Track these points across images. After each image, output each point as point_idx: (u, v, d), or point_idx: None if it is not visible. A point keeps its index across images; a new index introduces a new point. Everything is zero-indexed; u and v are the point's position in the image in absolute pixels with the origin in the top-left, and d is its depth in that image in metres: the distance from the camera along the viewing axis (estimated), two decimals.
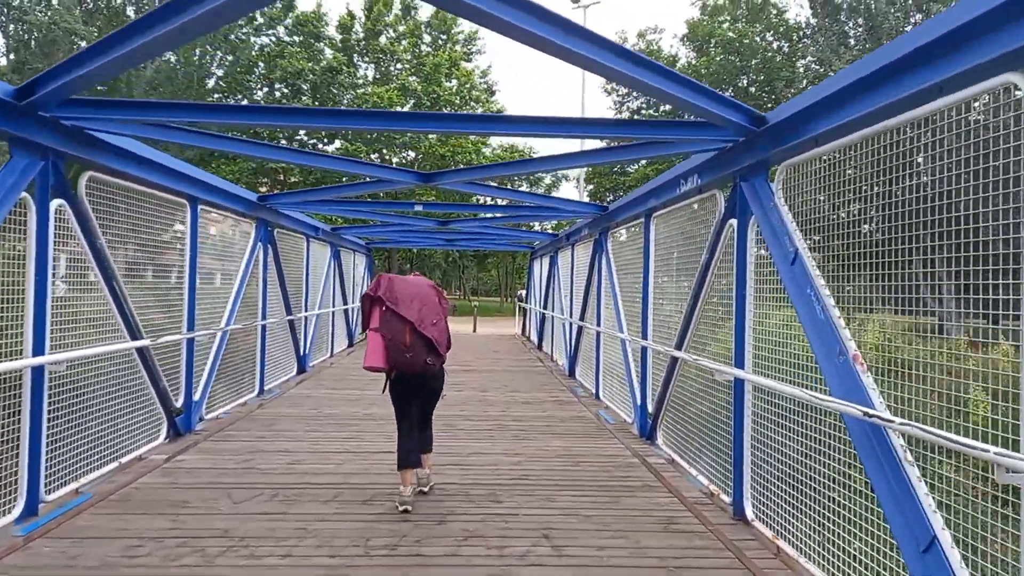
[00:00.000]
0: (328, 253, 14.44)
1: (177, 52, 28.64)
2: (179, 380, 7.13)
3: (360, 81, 36.58)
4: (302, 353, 12.16)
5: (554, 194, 38.09)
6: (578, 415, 8.71)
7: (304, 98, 33.47)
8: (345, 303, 16.39)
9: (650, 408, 7.33)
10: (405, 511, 4.82)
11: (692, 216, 6.31)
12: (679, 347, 6.22)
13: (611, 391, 9.39)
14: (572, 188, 42.21)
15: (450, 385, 11.04)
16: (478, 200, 34.84)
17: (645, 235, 7.59)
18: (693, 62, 34.33)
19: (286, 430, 7.42)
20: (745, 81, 34.74)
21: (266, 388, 10.00)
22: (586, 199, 31.72)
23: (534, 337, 19.45)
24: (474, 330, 25.97)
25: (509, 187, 10.25)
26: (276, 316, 10.57)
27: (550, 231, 18.72)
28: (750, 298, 4.89)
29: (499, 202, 27.95)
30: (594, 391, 10.25)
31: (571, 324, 12.56)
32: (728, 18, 35.13)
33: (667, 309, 7.16)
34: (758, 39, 34.16)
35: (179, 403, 7.09)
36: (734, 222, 5.16)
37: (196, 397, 7.45)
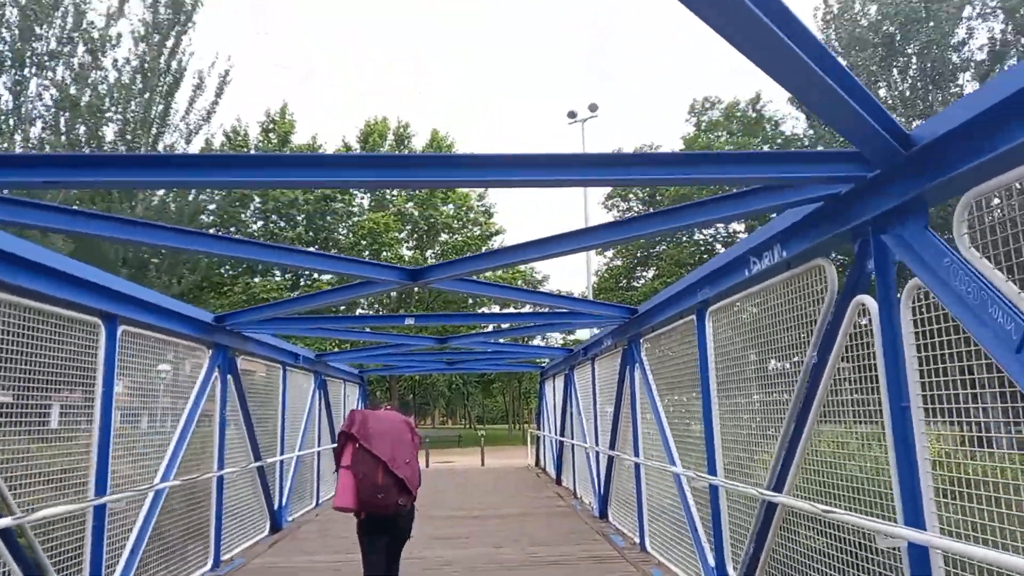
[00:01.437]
0: (312, 384, 12.63)
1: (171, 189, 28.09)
2: (82, 566, 5.18)
3: (356, 209, 36.16)
4: (277, 507, 10.09)
5: (559, 309, 36.66)
6: None
7: (299, 229, 32.82)
8: (333, 441, 14.37)
9: (731, 571, 5.31)
10: None
11: (776, 302, 4.62)
12: (777, 487, 4.35)
13: (664, 541, 7.31)
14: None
15: (457, 541, 9.03)
16: (481, 305, 33.30)
17: (700, 337, 5.88)
18: None
19: None
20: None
21: (224, 559, 7.90)
22: None
23: (550, 469, 17.22)
24: (482, 463, 23.62)
25: (511, 286, 8.63)
26: (240, 463, 8.64)
27: (560, 346, 17.00)
28: (918, 413, 3.11)
29: (504, 309, 26.44)
30: (638, 540, 8.14)
31: (598, 453, 10.56)
32: (724, 133, 35.17)
33: (741, 432, 5.33)
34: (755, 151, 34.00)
35: None
36: (867, 301, 3.47)
37: None
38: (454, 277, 5.71)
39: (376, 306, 34.21)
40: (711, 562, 5.70)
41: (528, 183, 3.44)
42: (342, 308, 30.87)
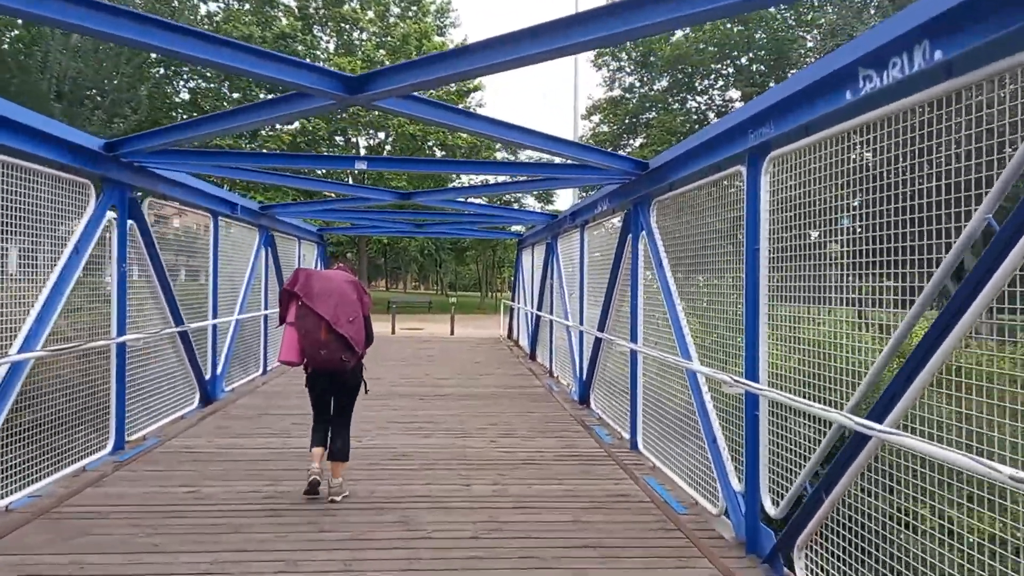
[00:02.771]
0: (257, 239, 10.95)
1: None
2: None
3: (320, 53, 32.85)
4: (209, 376, 8.71)
5: (550, 158, 34.58)
6: (619, 491, 5.40)
7: None
8: None
9: (770, 507, 4.04)
10: (314, 482, 4.88)
11: (903, 136, 3.01)
12: (879, 417, 2.94)
13: (661, 444, 6.07)
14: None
15: (418, 427, 7.79)
16: (448, 153, 31.01)
17: (750, 194, 4.28)
18: (690, 34, 31.14)
19: (96, 554, 4.01)
20: (746, 59, 31.69)
21: (132, 439, 6.56)
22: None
23: (524, 342, 16.13)
24: (452, 332, 22.58)
25: (490, 118, 6.60)
26: (155, 328, 7.13)
27: (541, 211, 15.41)
28: None
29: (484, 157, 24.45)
30: (629, 437, 6.95)
31: (582, 334, 9.25)
32: None
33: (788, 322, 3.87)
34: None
35: None
36: None
37: None
38: (408, 90, 3.95)
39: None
40: (736, 486, 4.44)
41: None
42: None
